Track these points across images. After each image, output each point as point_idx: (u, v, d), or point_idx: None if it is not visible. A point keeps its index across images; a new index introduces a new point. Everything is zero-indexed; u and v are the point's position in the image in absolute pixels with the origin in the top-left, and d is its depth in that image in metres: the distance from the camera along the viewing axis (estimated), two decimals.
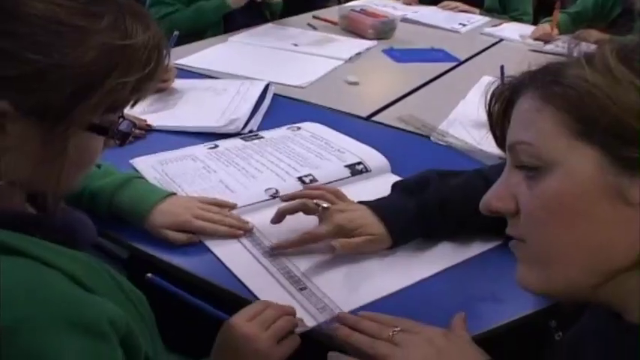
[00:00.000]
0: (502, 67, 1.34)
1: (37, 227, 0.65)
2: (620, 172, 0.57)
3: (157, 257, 0.97)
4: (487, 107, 0.72)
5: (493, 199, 0.67)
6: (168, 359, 0.81)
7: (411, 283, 0.95)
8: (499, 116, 0.71)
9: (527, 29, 2.70)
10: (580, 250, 0.61)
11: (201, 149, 1.28)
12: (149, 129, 1.36)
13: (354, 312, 0.87)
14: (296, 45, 2.24)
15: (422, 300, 0.92)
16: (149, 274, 0.85)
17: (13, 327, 0.54)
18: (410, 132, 1.51)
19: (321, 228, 0.98)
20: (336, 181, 1.18)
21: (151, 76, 0.67)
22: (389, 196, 1.05)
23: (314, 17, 2.72)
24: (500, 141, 0.72)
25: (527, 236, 0.65)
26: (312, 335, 0.85)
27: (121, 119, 0.69)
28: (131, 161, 1.20)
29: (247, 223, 1.03)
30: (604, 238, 0.59)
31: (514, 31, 2.69)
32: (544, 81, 0.64)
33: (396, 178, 1.20)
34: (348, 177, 1.21)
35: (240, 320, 0.81)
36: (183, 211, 1.01)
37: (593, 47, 0.62)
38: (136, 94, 0.67)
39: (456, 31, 2.71)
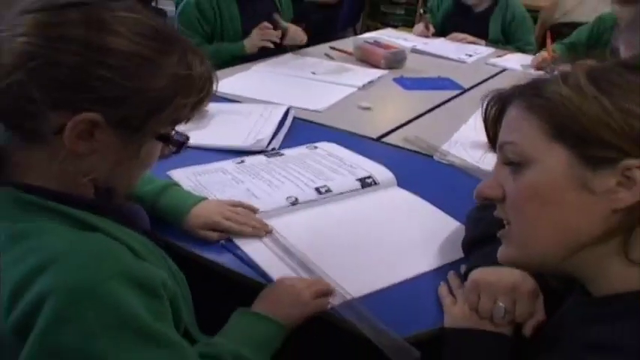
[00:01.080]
0: None
1: (107, 211, 0.83)
2: (585, 167, 0.69)
3: (194, 252, 1.13)
4: (483, 113, 0.85)
5: (485, 188, 0.80)
6: (199, 338, 0.96)
7: (413, 275, 1.09)
8: (493, 120, 0.83)
9: (529, 59, 2.83)
10: (552, 229, 0.73)
11: (229, 164, 1.45)
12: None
13: (362, 298, 1.01)
14: (314, 73, 2.40)
15: (427, 288, 1.06)
16: (222, 241, 1.12)
17: (91, 285, 0.70)
18: (415, 152, 1.66)
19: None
20: (348, 191, 1.35)
21: (204, 99, 0.85)
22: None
23: (331, 48, 2.86)
24: (492, 142, 0.84)
25: (511, 219, 0.77)
26: (329, 314, 0.99)
27: (174, 132, 0.87)
28: (168, 173, 1.36)
29: (267, 225, 1.19)
30: (572, 220, 0.71)
31: (517, 61, 2.85)
32: (529, 94, 0.76)
33: (401, 191, 1.37)
34: (358, 189, 1.36)
35: (289, 278, 1.02)
36: (214, 213, 1.16)
37: None
38: (192, 112, 0.85)
39: (463, 62, 2.86)
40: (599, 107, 0.68)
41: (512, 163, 0.76)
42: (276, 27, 2.60)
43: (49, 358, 0.70)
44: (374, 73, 2.45)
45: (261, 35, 2.53)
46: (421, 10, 3.68)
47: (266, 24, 2.56)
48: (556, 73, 0.75)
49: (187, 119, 0.86)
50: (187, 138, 0.88)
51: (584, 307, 0.77)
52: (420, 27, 3.42)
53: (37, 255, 0.72)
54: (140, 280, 0.75)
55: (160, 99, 0.78)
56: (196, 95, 0.82)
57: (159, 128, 0.81)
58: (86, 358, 0.69)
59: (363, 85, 2.28)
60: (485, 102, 0.84)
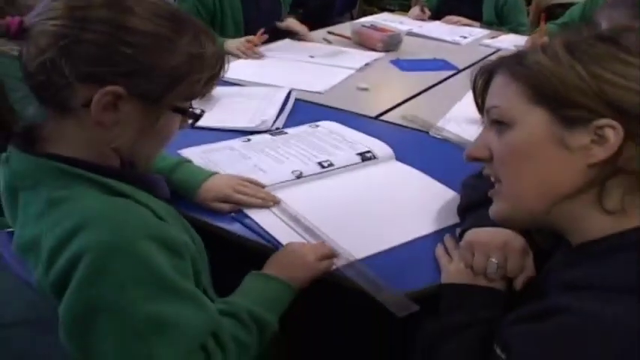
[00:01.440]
0: None
1: (134, 180, 0.92)
2: (563, 127, 0.77)
3: (207, 222, 1.20)
4: (472, 84, 0.92)
5: (473, 149, 0.89)
6: (216, 300, 1.03)
7: (416, 237, 1.17)
8: (481, 89, 0.91)
9: (523, 40, 2.88)
10: (535, 183, 0.81)
11: (236, 142, 1.53)
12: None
13: (363, 260, 1.09)
14: (312, 57, 2.47)
15: (424, 250, 1.14)
16: (233, 213, 1.20)
17: (119, 242, 0.79)
18: (412, 128, 1.74)
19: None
20: (349, 165, 1.43)
21: (216, 76, 0.93)
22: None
23: (329, 32, 2.92)
24: (480, 109, 0.92)
25: (499, 175, 0.86)
26: (334, 275, 1.07)
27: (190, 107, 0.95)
28: (179, 151, 1.42)
29: (275, 197, 1.27)
30: (552, 174, 0.80)
31: (510, 42, 2.90)
32: (512, 62, 0.84)
33: (399, 164, 1.45)
34: (359, 162, 1.45)
35: (296, 243, 1.11)
36: (225, 186, 1.24)
37: None
38: (205, 88, 0.93)
39: (457, 43, 2.92)
40: (573, 73, 0.76)
41: (498, 125, 0.84)
42: (276, 30, 2.64)
43: (84, 309, 0.79)
44: (370, 56, 2.53)
45: (243, 48, 2.44)
46: None
47: (253, 38, 2.48)
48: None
49: (202, 95, 0.94)
50: (203, 111, 0.96)
51: (565, 256, 0.86)
52: (415, 10, 3.47)
53: (73, 218, 0.81)
54: (165, 241, 0.83)
55: (175, 74, 0.86)
56: (209, 72, 0.90)
57: (175, 101, 0.89)
58: (117, 307, 0.78)
59: (361, 67, 2.35)
60: (474, 74, 0.92)
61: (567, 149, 0.78)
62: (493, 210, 0.90)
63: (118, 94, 0.83)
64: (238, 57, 2.40)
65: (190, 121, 0.96)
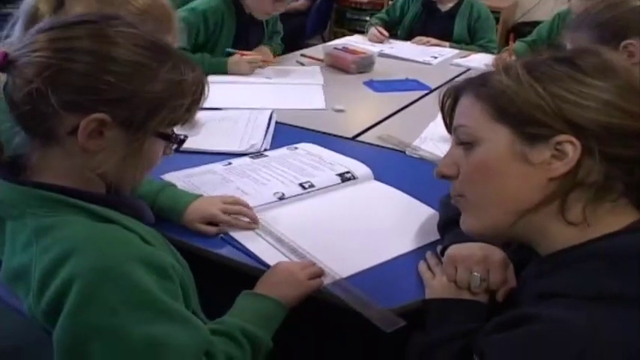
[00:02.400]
0: None
1: (119, 206, 0.94)
2: (525, 143, 0.82)
3: (194, 245, 1.21)
4: (440, 104, 0.97)
5: (443, 167, 0.93)
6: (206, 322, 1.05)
7: (398, 254, 1.20)
8: (449, 109, 0.96)
9: (492, 59, 2.96)
10: (499, 197, 0.86)
11: (218, 166, 1.55)
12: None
13: (348, 278, 1.11)
14: (269, 78, 2.54)
15: (407, 267, 1.18)
16: (221, 235, 1.22)
17: (109, 267, 0.81)
18: (388, 148, 1.78)
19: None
20: (329, 186, 1.46)
21: (198, 102, 0.96)
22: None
23: (302, 55, 2.95)
24: (449, 128, 0.97)
25: (465, 192, 0.90)
26: (322, 293, 1.10)
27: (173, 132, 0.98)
28: (161, 176, 1.43)
29: (258, 218, 1.29)
30: (515, 188, 0.84)
31: (480, 61, 2.96)
32: (477, 83, 0.89)
33: (378, 184, 1.49)
34: (339, 183, 1.48)
35: (285, 262, 1.14)
36: (210, 207, 1.26)
37: None
38: (188, 114, 0.96)
39: (428, 63, 2.98)
40: (533, 93, 0.81)
41: (464, 143, 0.89)
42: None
43: (78, 335, 0.80)
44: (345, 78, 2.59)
45: (250, 67, 2.57)
46: (369, 19, 3.78)
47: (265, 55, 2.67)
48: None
49: (185, 121, 0.97)
50: (186, 137, 0.99)
51: (535, 267, 0.89)
52: (373, 32, 3.47)
53: (61, 245, 0.83)
54: (153, 264, 0.86)
55: (157, 100, 0.89)
56: (190, 98, 0.94)
57: (159, 127, 0.92)
58: (110, 332, 0.80)
59: (325, 81, 2.45)
60: (442, 94, 0.98)
61: (529, 164, 0.82)
62: (463, 223, 0.94)
63: (103, 121, 0.86)
64: (244, 74, 2.53)
65: (174, 146, 0.99)
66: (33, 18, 1.25)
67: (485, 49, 3.36)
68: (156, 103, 0.90)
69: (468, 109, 0.89)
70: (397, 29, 3.70)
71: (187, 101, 0.93)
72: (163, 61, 0.91)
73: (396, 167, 1.66)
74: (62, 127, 0.86)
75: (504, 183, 0.86)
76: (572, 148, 0.79)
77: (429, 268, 1.14)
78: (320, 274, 1.12)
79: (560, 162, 0.81)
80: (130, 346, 0.80)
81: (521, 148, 0.83)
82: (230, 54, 2.58)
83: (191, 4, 2.56)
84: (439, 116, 1.92)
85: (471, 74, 0.94)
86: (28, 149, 0.91)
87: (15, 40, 1.33)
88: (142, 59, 0.89)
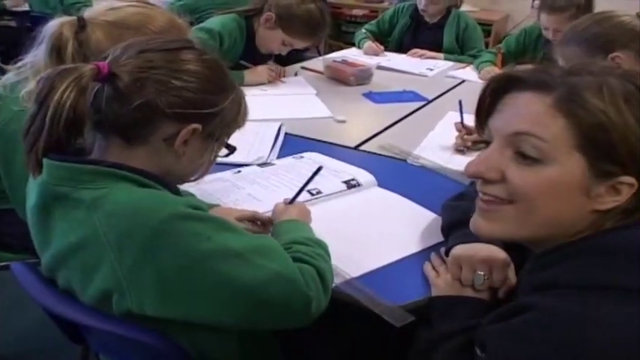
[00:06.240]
0: (460, 102, 1.73)
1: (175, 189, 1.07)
2: (594, 177, 0.81)
3: None
4: (482, 91, 0.93)
5: (484, 169, 0.88)
6: None
7: (403, 256, 1.27)
8: (494, 92, 0.91)
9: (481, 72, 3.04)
10: (544, 217, 0.85)
11: (228, 174, 1.62)
12: None
13: (359, 277, 1.18)
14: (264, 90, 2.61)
15: (412, 268, 1.24)
16: None
17: (184, 213, 0.93)
18: (390, 157, 1.85)
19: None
20: (335, 192, 1.53)
21: (245, 116, 1.16)
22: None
23: (302, 68, 3.04)
24: (481, 121, 0.93)
25: (515, 200, 0.86)
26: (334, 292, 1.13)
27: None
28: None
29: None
30: (562, 213, 0.84)
31: (474, 73, 3.07)
32: (561, 93, 0.82)
33: (382, 190, 1.56)
34: (344, 190, 1.55)
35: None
36: (227, 215, 1.30)
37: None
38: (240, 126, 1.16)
39: (424, 75, 3.05)
40: (632, 133, 0.79)
41: (528, 157, 0.84)
42: None
43: (194, 265, 0.92)
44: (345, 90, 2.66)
45: (269, 74, 2.69)
46: (357, 31, 3.86)
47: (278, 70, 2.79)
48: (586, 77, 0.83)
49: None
50: (235, 147, 1.19)
51: (530, 263, 0.94)
52: (368, 45, 3.55)
53: (125, 207, 0.94)
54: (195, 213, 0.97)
55: (231, 117, 1.10)
56: (243, 117, 1.14)
57: (224, 138, 1.13)
58: (217, 251, 0.94)
59: (325, 93, 2.55)
60: (490, 79, 0.94)
61: (587, 196, 0.82)
62: (479, 226, 0.94)
63: (197, 130, 1.03)
64: (262, 82, 2.65)
65: (227, 153, 1.18)
66: (57, 41, 1.35)
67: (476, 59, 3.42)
68: (230, 119, 1.10)
69: (545, 120, 0.83)
70: (387, 41, 3.78)
71: (242, 120, 1.14)
72: (236, 89, 1.11)
73: (398, 175, 1.73)
74: (159, 133, 1.01)
75: (556, 207, 0.84)
76: (628, 189, 0.81)
77: (434, 268, 1.21)
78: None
79: (612, 198, 0.82)
80: (239, 252, 0.95)
81: (589, 181, 0.82)
82: (245, 67, 2.67)
83: (206, 25, 2.60)
84: (438, 126, 2.08)
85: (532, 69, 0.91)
86: (96, 144, 1.04)
87: (35, 59, 1.43)
88: (226, 82, 1.09)
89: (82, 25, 1.39)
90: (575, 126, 0.80)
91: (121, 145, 1.02)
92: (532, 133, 0.82)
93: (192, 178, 1.15)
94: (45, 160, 0.98)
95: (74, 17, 1.40)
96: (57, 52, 1.35)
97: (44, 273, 1.08)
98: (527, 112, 0.85)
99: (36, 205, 1.02)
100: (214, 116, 1.05)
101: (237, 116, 1.12)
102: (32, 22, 4.68)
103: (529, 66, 0.94)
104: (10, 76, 1.53)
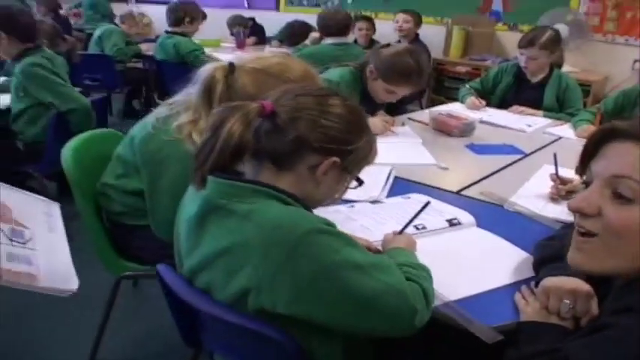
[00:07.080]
0: (555, 155, 1.88)
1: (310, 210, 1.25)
2: None
3: None
4: (588, 138, 1.05)
5: (585, 205, 1.00)
6: None
7: (496, 286, 1.43)
8: (597, 140, 1.02)
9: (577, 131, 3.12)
10: (633, 254, 0.95)
11: (343, 207, 1.84)
12: None
13: (456, 301, 1.35)
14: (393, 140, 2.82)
15: (504, 296, 1.40)
16: None
17: (316, 227, 1.09)
18: (488, 202, 2.01)
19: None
20: (438, 229, 1.72)
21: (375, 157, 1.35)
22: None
23: (409, 119, 3.23)
24: (584, 164, 1.05)
25: (603, 237, 0.98)
26: (434, 312, 1.30)
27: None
28: None
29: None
30: None
31: (570, 131, 3.16)
32: None
33: (480, 230, 1.73)
34: (447, 227, 1.74)
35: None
36: None
37: None
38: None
39: (523, 131, 3.16)
40: None
41: (622, 197, 0.95)
42: None
43: (325, 273, 1.07)
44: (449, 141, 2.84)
45: (386, 127, 2.92)
46: (461, 87, 4.02)
47: (390, 120, 3.03)
48: None
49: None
50: (364, 181, 1.35)
51: (613, 294, 1.07)
52: (471, 100, 3.71)
53: (271, 219, 1.10)
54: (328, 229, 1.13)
55: (363, 154, 1.28)
56: (373, 156, 1.33)
57: (356, 172, 1.30)
58: (344, 261, 1.09)
59: (431, 143, 2.74)
60: (597, 129, 1.06)
61: None
62: (574, 259, 1.06)
63: (336, 163, 1.21)
64: (378, 134, 2.78)
65: (355, 185, 1.34)
66: (209, 82, 1.60)
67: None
68: (363, 157, 1.28)
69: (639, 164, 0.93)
70: (490, 98, 3.90)
71: (373, 156, 1.33)
72: (369, 127, 1.31)
73: (495, 218, 1.88)
74: (305, 163, 1.20)
75: None
76: None
77: (523, 297, 1.36)
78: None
79: None
80: (361, 265, 1.10)
81: None
82: None
83: (327, 75, 2.89)
84: (533, 177, 2.27)
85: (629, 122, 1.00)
86: (250, 168, 1.24)
87: (187, 97, 1.69)
88: (363, 125, 1.29)
89: (231, 69, 1.63)
90: None
91: (272, 169, 1.22)
92: (629, 176, 0.94)
93: (324, 204, 1.33)
94: (211, 177, 1.19)
95: (225, 62, 1.64)
96: (208, 91, 1.60)
97: (185, 275, 1.27)
98: (626, 158, 0.96)
99: (195, 215, 1.21)
100: (351, 152, 1.23)
101: (368, 154, 1.29)
102: (158, 65, 5.16)
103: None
104: (162, 110, 1.78)
